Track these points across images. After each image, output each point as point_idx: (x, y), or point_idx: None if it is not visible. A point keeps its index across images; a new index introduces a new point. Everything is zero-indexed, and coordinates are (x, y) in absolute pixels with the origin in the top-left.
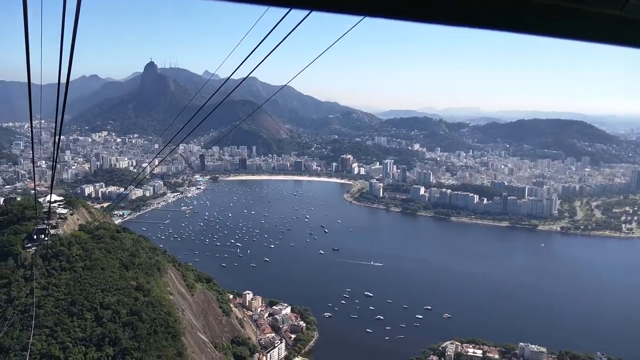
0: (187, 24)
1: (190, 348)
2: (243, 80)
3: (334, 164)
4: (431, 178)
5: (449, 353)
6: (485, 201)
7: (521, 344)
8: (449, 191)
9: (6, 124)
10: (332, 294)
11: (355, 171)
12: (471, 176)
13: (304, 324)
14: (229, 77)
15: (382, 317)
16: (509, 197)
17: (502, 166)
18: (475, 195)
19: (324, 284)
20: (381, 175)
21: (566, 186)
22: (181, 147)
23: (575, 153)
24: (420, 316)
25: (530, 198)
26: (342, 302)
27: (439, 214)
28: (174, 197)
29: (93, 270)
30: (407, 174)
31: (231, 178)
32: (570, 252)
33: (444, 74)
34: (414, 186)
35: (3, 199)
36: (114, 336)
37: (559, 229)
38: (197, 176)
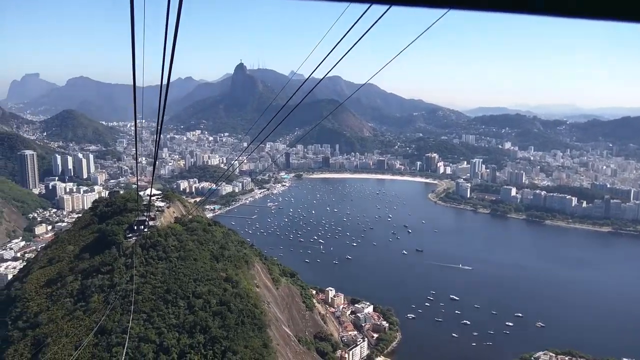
0: (274, 26)
1: (275, 340)
2: (323, 77)
3: (418, 162)
4: (523, 178)
5: None
6: (584, 204)
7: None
8: (543, 192)
9: (111, 124)
10: (416, 296)
11: (441, 170)
12: (568, 177)
13: (387, 324)
14: (309, 76)
15: (468, 322)
16: (612, 200)
17: (604, 167)
18: (573, 198)
19: (406, 285)
20: (468, 175)
21: None
22: (267, 145)
23: None
24: (510, 323)
25: (637, 202)
26: (426, 304)
27: (532, 217)
28: (260, 193)
29: (186, 260)
30: (497, 174)
31: (314, 176)
32: None
33: (537, 69)
34: (505, 187)
35: (108, 192)
36: (205, 324)
37: None
38: (282, 173)
